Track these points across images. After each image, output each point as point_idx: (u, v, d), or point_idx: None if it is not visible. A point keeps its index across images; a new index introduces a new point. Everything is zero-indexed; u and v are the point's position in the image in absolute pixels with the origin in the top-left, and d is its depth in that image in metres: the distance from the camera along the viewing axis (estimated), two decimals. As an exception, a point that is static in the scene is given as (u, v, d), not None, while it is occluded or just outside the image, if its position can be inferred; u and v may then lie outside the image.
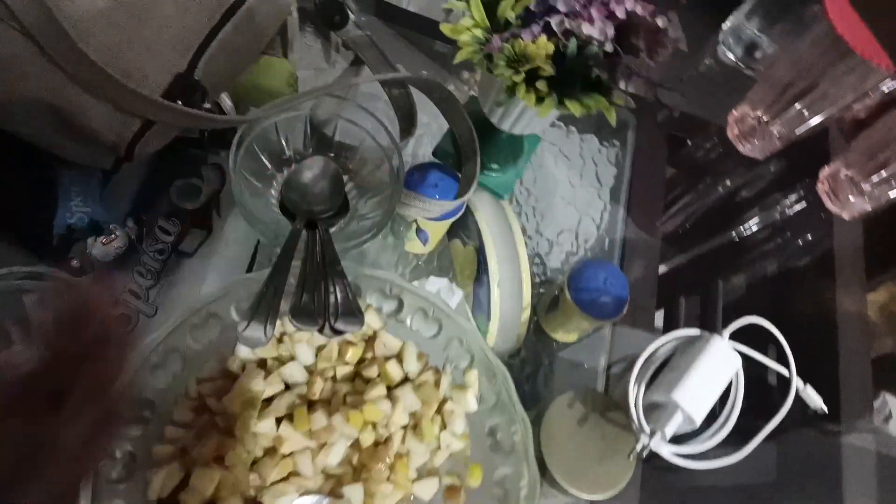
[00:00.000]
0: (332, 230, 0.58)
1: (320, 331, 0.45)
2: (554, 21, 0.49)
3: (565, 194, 0.80)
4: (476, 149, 0.63)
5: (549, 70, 0.52)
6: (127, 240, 0.59)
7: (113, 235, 0.57)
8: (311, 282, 0.48)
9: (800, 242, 0.83)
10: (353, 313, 0.46)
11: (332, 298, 0.47)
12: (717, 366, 0.62)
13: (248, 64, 0.60)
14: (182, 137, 0.59)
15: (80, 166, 0.54)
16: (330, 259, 0.51)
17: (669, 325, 0.76)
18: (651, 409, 0.61)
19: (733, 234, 0.83)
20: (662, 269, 0.79)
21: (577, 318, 0.63)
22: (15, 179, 0.59)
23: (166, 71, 0.47)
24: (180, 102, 0.47)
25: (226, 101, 0.58)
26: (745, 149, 0.83)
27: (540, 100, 0.53)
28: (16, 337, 0.53)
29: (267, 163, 0.59)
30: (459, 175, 0.65)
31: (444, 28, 0.54)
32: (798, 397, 0.66)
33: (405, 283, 0.56)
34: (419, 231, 0.68)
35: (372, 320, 0.56)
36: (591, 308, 0.62)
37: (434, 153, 0.70)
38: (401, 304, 0.57)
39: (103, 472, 0.46)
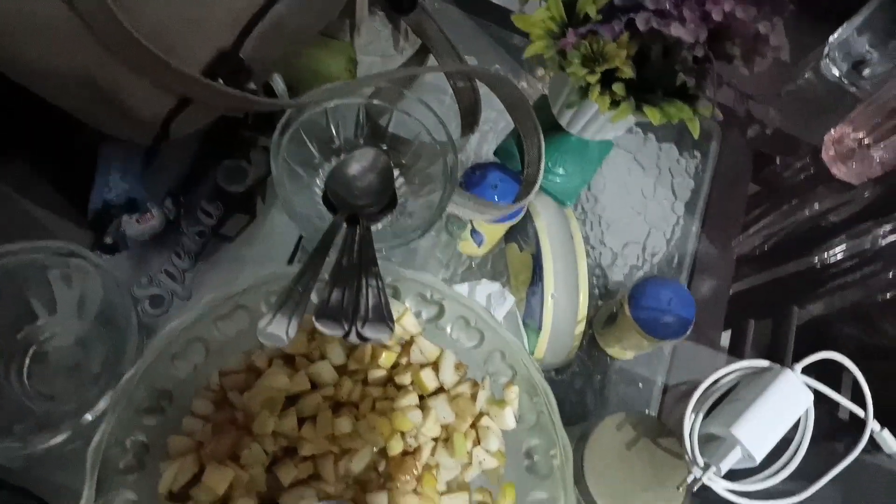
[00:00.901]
0: (376, 227, 0.55)
1: (345, 336, 0.41)
2: (640, 19, 0.43)
3: (636, 205, 0.76)
4: (541, 152, 0.59)
5: (628, 72, 0.47)
6: (164, 220, 0.56)
7: (149, 215, 0.55)
8: (344, 281, 0.45)
9: (890, 276, 0.75)
10: (383, 320, 0.43)
11: (363, 302, 0.44)
12: (786, 402, 0.55)
13: (304, 45, 0.56)
14: (233, 118, 0.56)
15: (123, 141, 0.52)
16: (367, 258, 0.47)
17: (735, 348, 0.73)
18: (708, 441, 0.56)
19: (815, 260, 0.77)
20: (734, 288, 0.75)
21: (636, 336, 0.60)
22: (56, 150, 0.57)
23: (210, 47, 0.44)
24: (221, 81, 0.44)
25: (279, 83, 0.55)
26: (839, 172, 0.77)
27: (615, 104, 0.48)
28: (40, 313, 0.52)
29: (314, 151, 0.55)
30: (522, 178, 0.61)
31: (516, 19, 0.50)
32: (871, 440, 0.60)
33: (447, 289, 0.53)
34: (474, 232, 0.65)
35: (409, 325, 0.53)
36: (652, 327, 0.59)
37: (496, 153, 0.66)
38: (441, 311, 0.54)
39: (111, 460, 0.44)
